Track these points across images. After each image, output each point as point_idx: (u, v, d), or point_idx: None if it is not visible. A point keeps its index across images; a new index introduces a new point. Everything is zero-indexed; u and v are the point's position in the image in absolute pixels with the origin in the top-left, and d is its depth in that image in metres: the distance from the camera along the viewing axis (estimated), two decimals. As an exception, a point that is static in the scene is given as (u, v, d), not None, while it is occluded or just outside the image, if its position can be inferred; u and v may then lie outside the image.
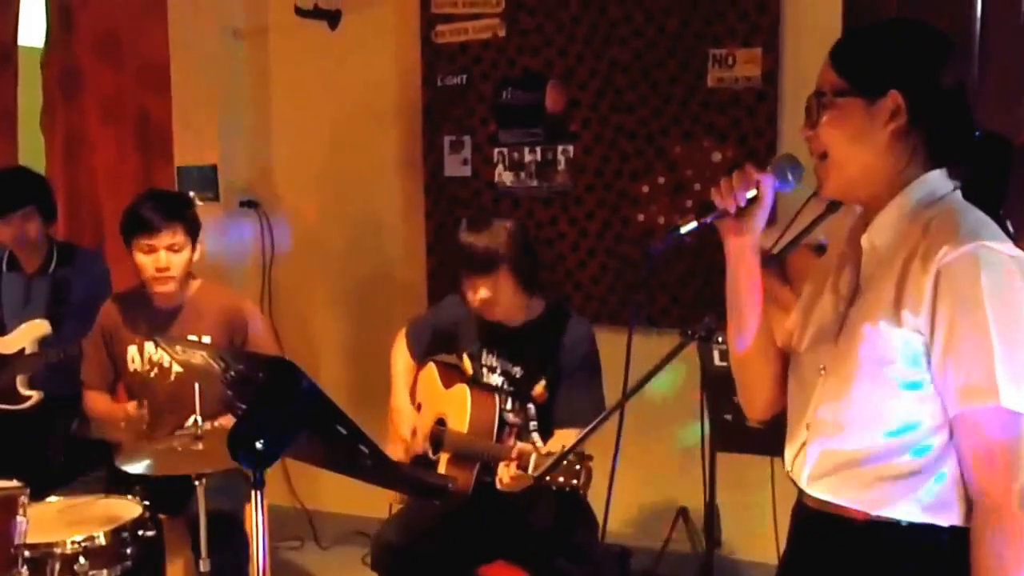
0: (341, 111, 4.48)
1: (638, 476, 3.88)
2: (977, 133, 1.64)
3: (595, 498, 2.87)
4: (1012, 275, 1.50)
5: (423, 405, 3.23)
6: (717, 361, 3.15)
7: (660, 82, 3.79)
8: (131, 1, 4.71)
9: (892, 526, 1.60)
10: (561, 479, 2.42)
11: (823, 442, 1.66)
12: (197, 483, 2.78)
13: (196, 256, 3.36)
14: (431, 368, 3.27)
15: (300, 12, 4.34)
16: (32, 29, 5.10)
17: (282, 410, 1.75)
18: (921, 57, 1.62)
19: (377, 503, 3.45)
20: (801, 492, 1.74)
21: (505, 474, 2.71)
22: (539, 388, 3.00)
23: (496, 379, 3.08)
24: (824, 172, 1.65)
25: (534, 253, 3.08)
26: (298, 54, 4.54)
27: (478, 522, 2.99)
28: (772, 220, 1.68)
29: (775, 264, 1.95)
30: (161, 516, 3.01)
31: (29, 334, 3.72)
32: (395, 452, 3.16)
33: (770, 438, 1.98)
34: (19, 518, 2.45)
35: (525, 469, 2.64)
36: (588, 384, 2.95)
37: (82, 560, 2.67)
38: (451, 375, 3.21)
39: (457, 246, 3.00)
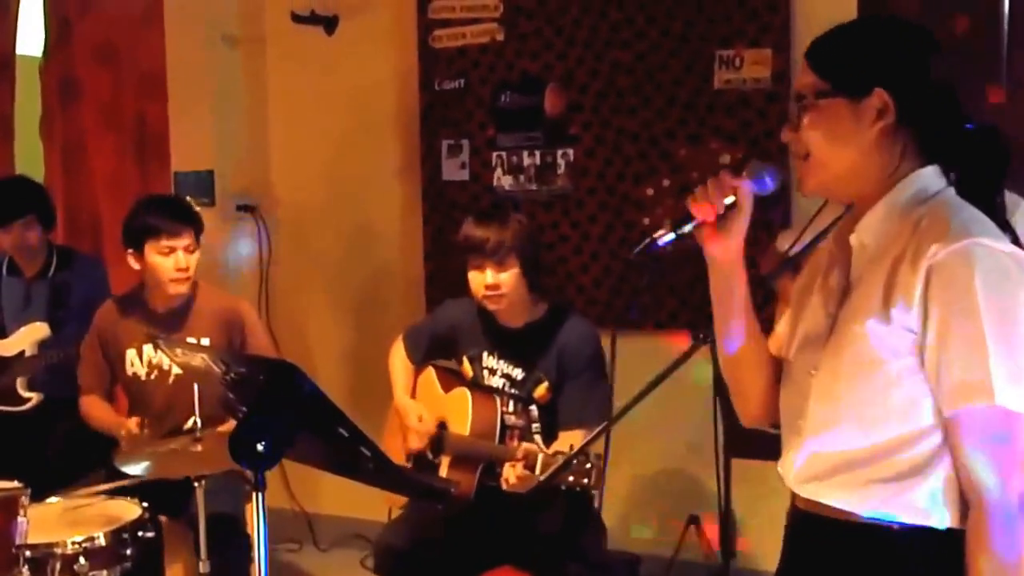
0: (338, 116, 4.49)
1: (648, 481, 3.88)
2: (970, 127, 1.60)
3: (604, 503, 2.90)
4: (1007, 272, 1.46)
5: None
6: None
7: (664, 84, 3.80)
8: (128, 10, 4.73)
9: (885, 529, 1.56)
10: (571, 478, 2.42)
11: (814, 443, 1.63)
12: (196, 485, 2.79)
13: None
14: (430, 372, 3.27)
15: (297, 18, 4.36)
16: (30, 38, 5.11)
17: (284, 412, 1.76)
18: (905, 53, 1.59)
19: (376, 506, 3.46)
20: (793, 494, 1.72)
21: (511, 474, 2.70)
22: (541, 390, 2.99)
23: (497, 381, 3.07)
24: (805, 171, 1.62)
25: (540, 254, 3.09)
26: (295, 60, 4.56)
27: (483, 527, 2.98)
28: (787, 223, 1.68)
29: (791, 267, 1.93)
30: (161, 517, 3.02)
31: (29, 337, 3.75)
32: (394, 445, 3.16)
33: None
34: (20, 519, 2.45)
35: (532, 469, 2.63)
36: (594, 385, 2.93)
37: (82, 561, 2.66)
38: (450, 379, 3.21)
39: (468, 232, 3.01)
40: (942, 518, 1.54)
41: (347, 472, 2.02)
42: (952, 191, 1.58)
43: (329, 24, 4.39)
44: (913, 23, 1.63)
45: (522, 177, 4.10)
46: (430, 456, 3.13)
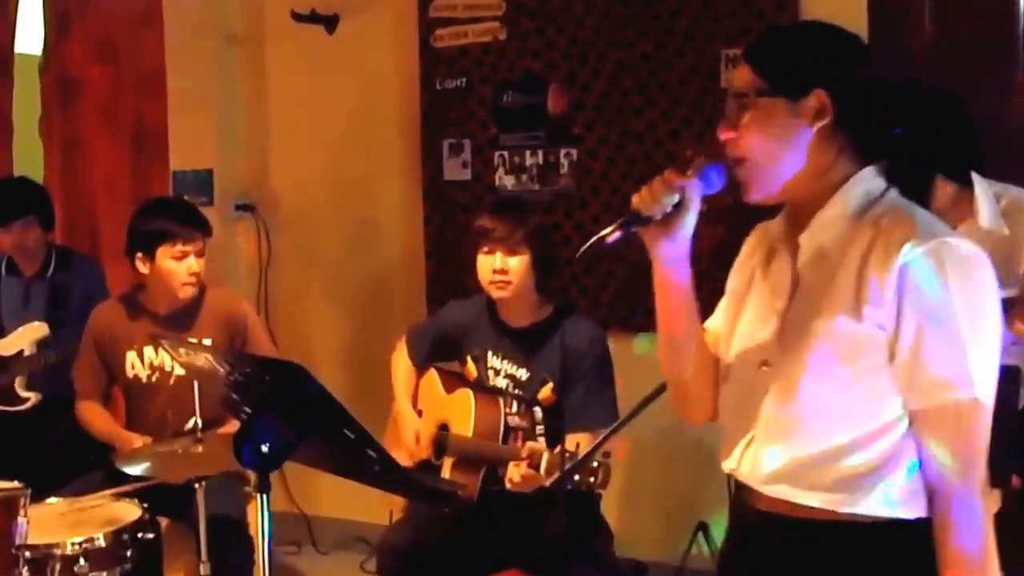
0: (338, 115, 4.47)
1: (655, 487, 3.85)
2: (899, 130, 1.65)
3: (610, 509, 2.87)
4: (972, 269, 1.52)
5: (425, 411, 3.21)
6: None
7: (669, 84, 3.77)
8: (128, 8, 4.72)
9: (857, 525, 1.59)
10: (577, 478, 2.41)
11: (780, 441, 1.63)
12: (197, 486, 2.77)
13: None
14: (432, 374, 3.25)
15: (297, 17, 4.34)
16: (30, 36, 5.09)
17: (290, 414, 1.74)
18: (842, 56, 1.63)
19: (376, 508, 3.43)
20: (749, 494, 1.71)
21: (515, 473, 2.69)
22: (546, 391, 2.98)
23: (501, 382, 3.06)
24: (747, 175, 1.62)
25: (552, 254, 3.08)
26: (295, 59, 4.54)
27: (488, 529, 2.96)
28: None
29: None
30: (161, 519, 3.00)
31: (27, 336, 3.73)
32: (398, 458, 3.14)
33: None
34: (20, 519, 2.44)
35: (536, 468, 2.62)
36: (600, 387, 2.92)
37: (82, 562, 2.66)
38: (453, 380, 3.19)
39: (481, 221, 2.99)
40: (911, 509, 1.57)
41: (352, 474, 2.00)
42: (896, 191, 1.62)
43: (330, 23, 4.37)
44: (848, 30, 1.68)
45: (524, 177, 4.08)
46: (432, 459, 3.10)
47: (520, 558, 2.92)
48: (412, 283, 4.35)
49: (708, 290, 1.80)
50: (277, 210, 4.65)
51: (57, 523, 2.80)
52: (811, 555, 1.64)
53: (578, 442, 2.72)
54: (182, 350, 2.43)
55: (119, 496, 2.95)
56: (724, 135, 1.64)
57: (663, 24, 3.78)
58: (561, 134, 3.99)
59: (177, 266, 3.27)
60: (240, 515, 3.28)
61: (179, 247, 3.26)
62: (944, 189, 2.57)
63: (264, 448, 1.70)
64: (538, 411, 2.99)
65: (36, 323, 3.76)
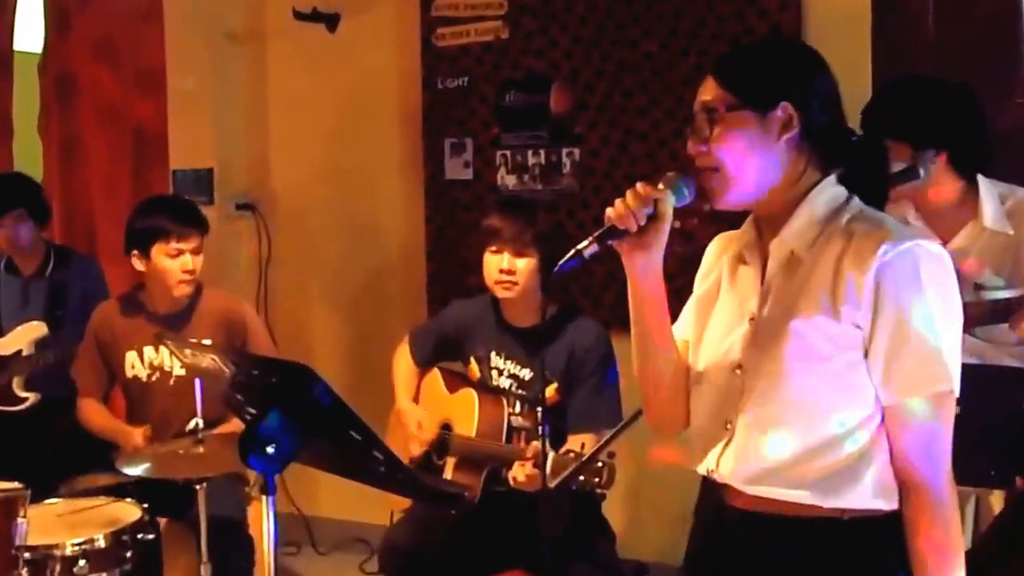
0: (340, 114, 4.45)
1: (656, 488, 3.83)
2: (855, 138, 1.72)
3: (612, 510, 2.85)
4: (944, 271, 1.59)
5: (427, 411, 3.18)
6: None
7: (673, 84, 3.75)
8: (128, 6, 4.70)
9: (836, 518, 1.63)
10: (582, 478, 2.39)
11: (760, 441, 1.67)
12: (198, 487, 2.76)
13: None
14: (435, 374, 3.23)
15: (298, 15, 4.32)
16: (29, 33, 5.07)
17: (296, 415, 1.72)
18: (803, 69, 1.70)
19: (375, 509, 3.41)
20: (725, 493, 1.74)
21: (520, 472, 2.68)
22: (550, 391, 2.96)
23: (505, 382, 3.04)
24: (717, 185, 1.67)
25: (560, 256, 3.04)
26: (296, 57, 4.52)
27: (491, 530, 2.94)
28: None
29: None
30: (160, 519, 2.97)
31: (26, 336, 3.72)
32: (397, 449, 3.11)
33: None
34: (20, 520, 2.42)
35: (541, 469, 2.60)
36: (604, 387, 2.91)
37: (82, 563, 2.64)
38: (456, 380, 3.18)
39: (491, 220, 2.98)
40: (890, 500, 1.63)
41: (357, 475, 1.99)
42: (857, 198, 1.69)
43: (331, 21, 4.35)
44: (810, 47, 1.79)
45: (526, 176, 4.06)
46: (434, 458, 3.09)
47: (522, 559, 2.90)
48: (413, 283, 4.33)
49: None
50: (277, 209, 4.63)
51: (56, 524, 2.79)
52: (791, 551, 1.68)
53: (583, 442, 2.70)
54: (187, 351, 2.41)
55: (117, 488, 2.94)
56: (694, 149, 1.68)
57: (666, 23, 3.77)
58: (563, 134, 3.97)
59: (172, 263, 3.25)
60: (240, 516, 3.27)
61: (173, 244, 3.24)
62: (952, 186, 2.56)
63: (270, 449, 1.68)
64: (541, 411, 2.97)
65: (35, 323, 3.74)
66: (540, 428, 2.95)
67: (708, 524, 1.84)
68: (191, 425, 2.83)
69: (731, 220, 1.84)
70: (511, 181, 4.08)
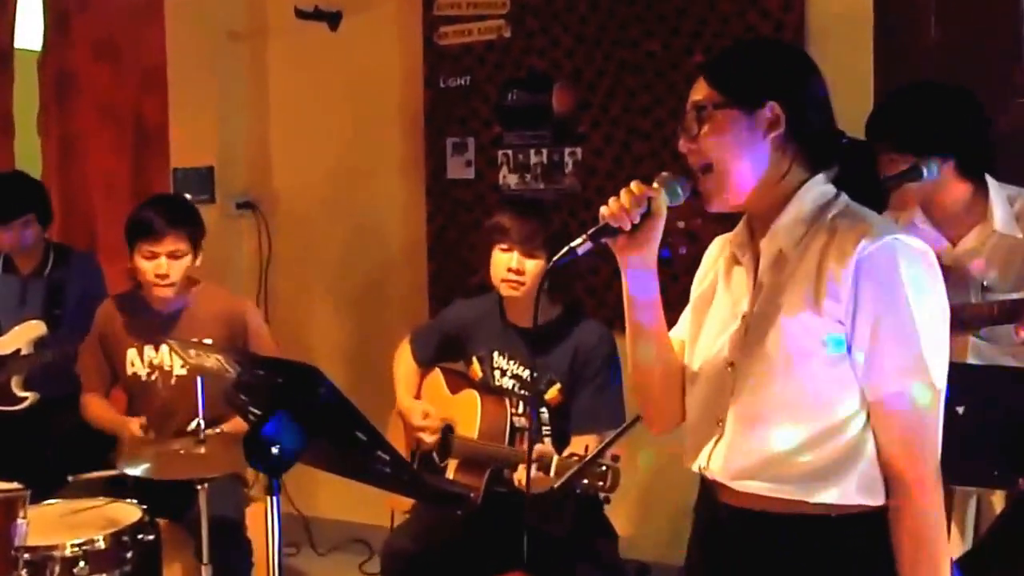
0: (341, 113, 4.44)
1: (658, 487, 3.82)
2: (844, 140, 1.73)
3: (614, 510, 2.84)
4: (924, 265, 1.60)
5: (429, 410, 3.18)
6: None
7: (675, 83, 3.73)
8: (129, 3, 4.69)
9: (824, 515, 1.64)
10: (586, 481, 2.38)
11: (748, 437, 1.69)
12: (199, 488, 2.74)
13: (197, 263, 3.32)
14: (437, 374, 3.22)
15: (300, 14, 4.31)
16: (29, 31, 5.05)
17: (301, 416, 1.71)
18: (792, 69, 1.73)
19: (375, 510, 3.40)
20: (717, 490, 1.76)
21: (525, 475, 2.66)
22: (553, 392, 2.95)
23: (507, 382, 3.03)
24: (709, 184, 1.70)
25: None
26: (298, 56, 4.51)
27: (493, 530, 2.93)
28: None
29: None
30: (159, 520, 2.96)
31: (25, 335, 3.69)
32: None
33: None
34: (20, 520, 2.41)
35: (546, 471, 2.59)
36: (608, 388, 2.90)
37: (82, 564, 2.63)
38: (458, 381, 3.16)
39: (502, 218, 2.95)
40: (876, 496, 1.64)
41: (362, 476, 1.98)
42: (846, 196, 1.71)
43: (333, 20, 4.34)
44: (799, 48, 1.86)
45: (528, 176, 4.05)
46: (436, 459, 3.07)
47: (525, 560, 2.88)
48: (414, 282, 4.32)
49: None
50: (278, 208, 4.62)
51: (56, 525, 2.77)
52: (779, 548, 1.69)
53: (586, 444, 2.69)
54: (191, 351, 2.39)
55: (112, 490, 2.92)
56: (684, 146, 1.73)
57: (669, 23, 3.75)
58: (566, 133, 3.96)
59: (146, 265, 3.21)
60: (239, 517, 3.26)
61: (146, 246, 3.19)
62: (960, 190, 2.55)
63: (274, 450, 1.67)
64: (544, 412, 2.96)
65: (33, 322, 3.72)
66: (538, 428, 2.95)
67: (703, 522, 1.85)
68: (192, 425, 2.81)
69: (735, 220, 1.84)
70: (513, 180, 4.07)
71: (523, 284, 2.92)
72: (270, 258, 4.57)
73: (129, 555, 2.73)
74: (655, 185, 1.71)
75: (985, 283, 2.56)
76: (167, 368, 3.31)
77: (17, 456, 3.32)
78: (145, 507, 2.86)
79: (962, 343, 2.51)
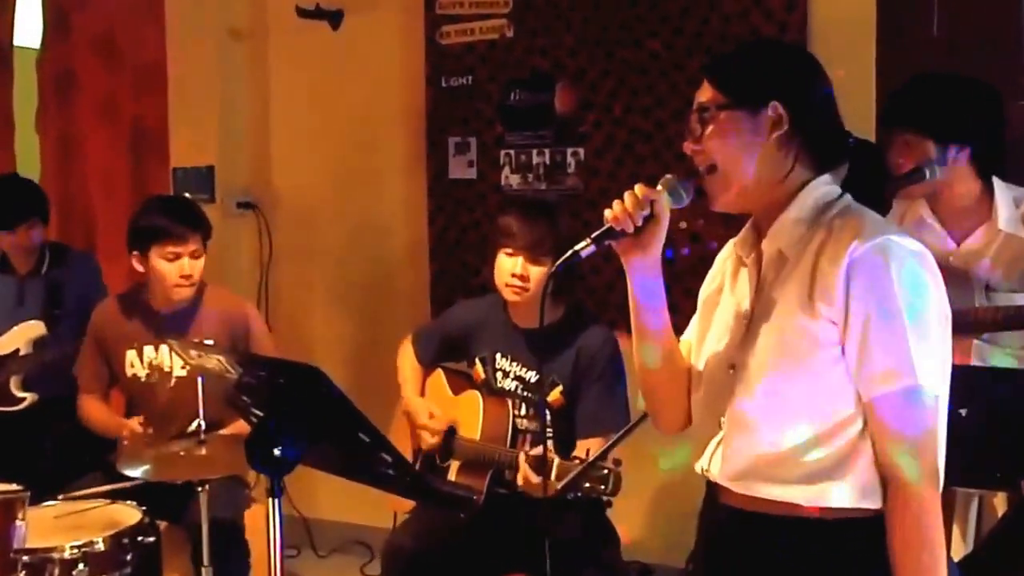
0: (342, 112, 4.43)
1: (659, 488, 3.81)
2: (851, 140, 1.74)
3: (615, 512, 2.83)
4: (916, 266, 1.59)
5: (433, 411, 3.16)
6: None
7: (678, 83, 3.73)
8: (128, 1, 4.67)
9: (822, 518, 1.64)
10: (588, 485, 2.36)
11: (745, 438, 1.70)
12: (200, 489, 2.72)
13: None
14: (439, 375, 3.20)
15: (301, 12, 4.29)
16: (28, 29, 5.03)
17: (304, 417, 1.69)
18: (795, 70, 1.74)
19: (376, 511, 3.38)
20: (719, 492, 1.77)
21: (533, 476, 2.64)
22: (555, 394, 2.93)
23: (510, 384, 3.01)
24: (714, 185, 1.72)
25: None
26: (299, 55, 4.49)
27: (495, 532, 2.91)
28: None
29: None
30: (159, 522, 2.94)
31: (23, 335, 3.68)
32: (401, 449, 3.09)
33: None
34: (18, 522, 2.38)
35: (548, 474, 2.57)
36: (612, 391, 2.88)
37: (81, 566, 2.60)
38: (460, 381, 3.15)
39: (509, 222, 2.91)
40: (870, 502, 1.63)
41: (365, 478, 1.96)
42: (849, 196, 1.71)
43: (334, 19, 4.32)
44: (802, 48, 1.85)
45: (530, 176, 4.03)
46: (438, 461, 3.05)
47: (527, 561, 2.87)
48: (416, 282, 4.30)
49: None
50: (279, 208, 4.60)
51: (55, 527, 2.75)
52: (777, 550, 1.69)
53: (588, 448, 2.67)
54: (193, 352, 2.37)
55: (116, 494, 2.90)
56: (688, 149, 1.73)
57: (671, 23, 3.74)
58: (568, 133, 3.95)
59: (169, 267, 3.20)
60: (239, 519, 3.24)
61: (170, 248, 3.18)
62: (969, 187, 2.54)
63: (277, 452, 1.65)
64: (547, 414, 2.94)
65: (32, 322, 3.71)
66: (546, 431, 2.93)
67: (706, 524, 1.86)
68: (193, 426, 2.79)
69: (738, 222, 1.84)
70: (515, 181, 4.06)
71: (527, 290, 2.89)
72: (271, 258, 4.56)
73: (129, 557, 2.70)
74: (659, 188, 1.72)
75: (989, 283, 2.55)
76: (167, 369, 3.30)
77: (16, 457, 3.30)
78: (145, 509, 2.83)
79: (965, 345, 2.51)
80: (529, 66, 3.99)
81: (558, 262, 1.72)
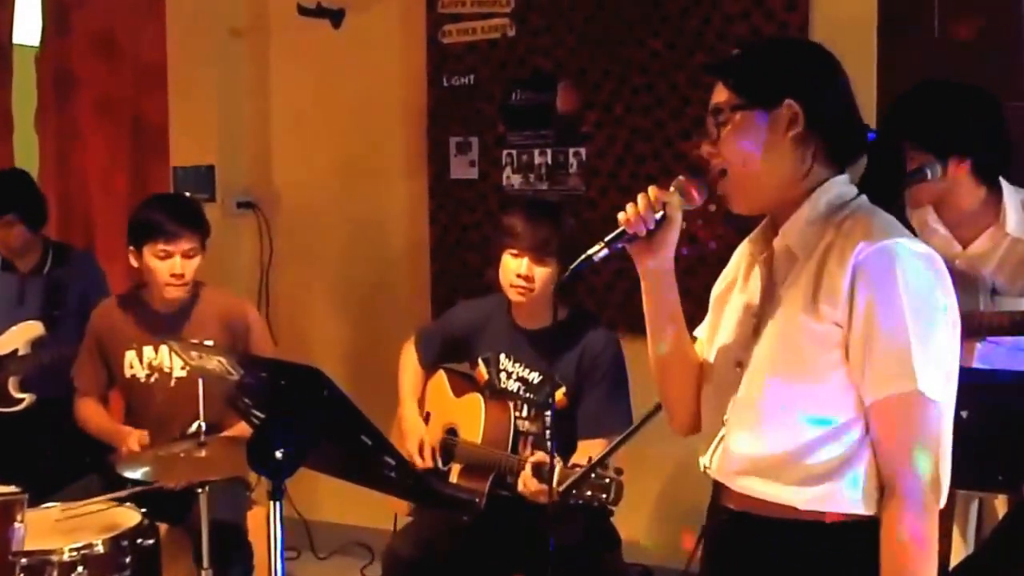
0: (343, 112, 4.41)
1: (659, 489, 3.80)
2: (871, 136, 1.73)
3: (616, 515, 2.82)
4: (923, 270, 1.58)
5: (432, 414, 3.15)
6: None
7: (679, 84, 3.72)
8: (129, 0, 4.64)
9: (818, 524, 1.63)
10: (589, 493, 2.35)
11: (745, 437, 1.69)
12: (200, 491, 2.71)
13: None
14: (441, 376, 3.19)
15: (303, 11, 4.28)
16: (28, 26, 5.02)
17: (305, 419, 1.68)
18: (809, 67, 1.72)
19: (376, 513, 3.37)
20: (722, 492, 1.77)
21: (532, 483, 2.63)
22: (558, 396, 2.91)
23: (512, 385, 3.00)
24: (730, 187, 1.71)
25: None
26: (300, 54, 4.48)
27: (496, 535, 2.90)
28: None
29: None
30: (159, 524, 2.93)
31: (22, 335, 3.66)
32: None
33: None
34: (17, 524, 2.36)
35: (549, 481, 2.56)
36: (614, 393, 2.87)
37: (80, 569, 2.58)
38: (462, 383, 3.13)
39: (515, 222, 2.89)
40: (870, 507, 1.61)
41: (367, 481, 1.95)
42: (865, 197, 1.70)
43: (335, 17, 4.31)
44: (817, 44, 1.78)
45: (532, 176, 4.02)
46: (439, 464, 3.04)
47: (528, 565, 2.86)
48: (416, 283, 4.29)
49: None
50: (279, 208, 4.59)
51: (54, 529, 2.73)
52: (775, 552, 1.69)
53: (591, 451, 2.66)
54: (193, 353, 2.36)
55: (116, 501, 2.88)
56: (706, 151, 1.73)
57: (673, 23, 3.73)
58: (570, 133, 3.94)
59: (160, 265, 3.18)
60: (240, 521, 3.22)
61: (161, 245, 3.15)
62: (973, 192, 2.53)
63: (278, 454, 1.64)
64: (548, 416, 2.92)
65: (31, 322, 3.68)
66: (547, 433, 2.92)
67: (710, 523, 1.86)
68: (193, 428, 2.78)
69: (738, 222, 1.83)
70: (517, 180, 4.05)
71: (532, 291, 2.88)
72: (271, 258, 4.54)
73: (128, 560, 2.68)
74: (671, 189, 1.71)
75: (995, 286, 2.54)
76: (167, 370, 3.28)
77: (14, 458, 3.29)
78: (145, 511, 2.82)
79: (968, 347, 2.49)
80: (531, 66, 3.99)
81: (571, 267, 1.72)
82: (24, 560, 2.44)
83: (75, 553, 2.60)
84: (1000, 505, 2.78)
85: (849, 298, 1.58)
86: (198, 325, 3.27)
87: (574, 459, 2.69)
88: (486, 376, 3.05)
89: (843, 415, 1.61)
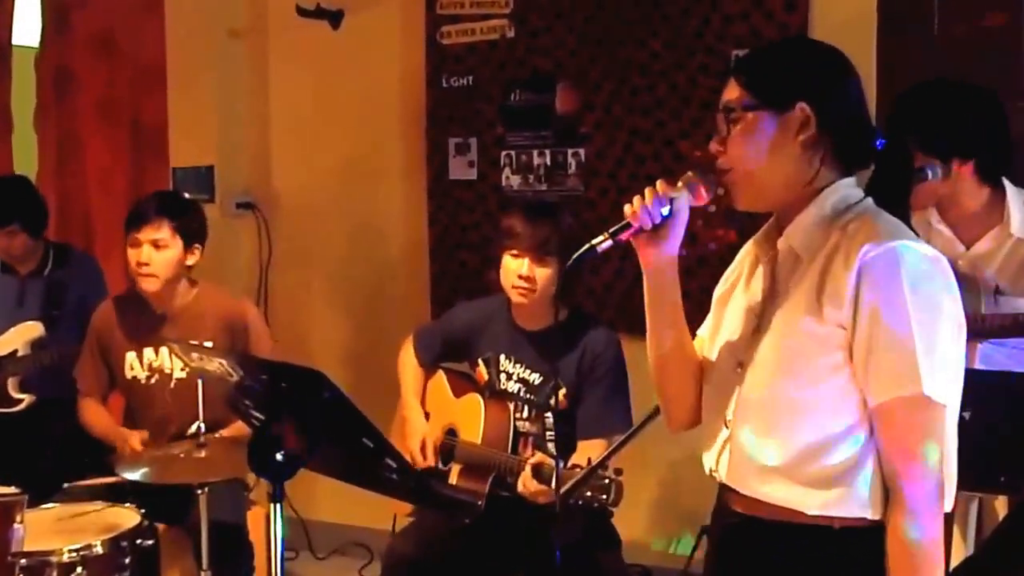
0: (342, 112, 4.41)
1: (659, 491, 3.81)
2: (881, 142, 1.71)
3: (616, 515, 2.82)
4: (929, 272, 1.57)
5: (432, 415, 3.15)
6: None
7: (679, 84, 3.72)
8: (128, 0, 4.64)
9: (826, 528, 1.62)
10: (589, 494, 2.34)
11: (749, 439, 1.68)
12: (200, 492, 2.71)
13: (191, 260, 3.27)
14: (440, 376, 3.18)
15: (301, 12, 4.28)
16: (27, 27, 5.01)
17: (306, 421, 1.68)
18: (824, 70, 1.71)
19: (375, 513, 3.36)
20: (729, 496, 1.76)
21: (532, 484, 2.63)
22: (560, 396, 2.91)
23: (513, 386, 2.99)
24: (739, 185, 1.70)
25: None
26: (299, 54, 4.48)
27: (496, 536, 2.90)
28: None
29: None
30: (158, 525, 2.93)
31: (22, 336, 3.66)
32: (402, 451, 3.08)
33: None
34: (16, 525, 2.36)
35: (548, 482, 2.56)
36: (615, 393, 2.87)
37: (79, 570, 2.58)
38: (462, 383, 3.12)
39: (514, 223, 2.89)
40: (877, 511, 1.60)
41: (368, 482, 1.95)
42: (871, 200, 1.69)
43: (334, 18, 4.31)
44: (832, 46, 1.75)
45: (531, 177, 4.02)
46: (439, 464, 3.04)
47: (528, 565, 2.86)
48: (415, 284, 4.29)
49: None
50: (279, 208, 4.59)
51: (53, 530, 2.73)
52: (781, 557, 1.68)
53: (591, 452, 2.66)
54: (194, 355, 2.35)
55: (117, 489, 2.88)
56: (714, 148, 1.72)
57: (673, 24, 3.73)
58: (569, 134, 3.94)
59: (131, 253, 3.17)
60: (240, 521, 3.22)
61: (132, 233, 3.15)
62: (977, 193, 2.53)
63: (278, 456, 1.64)
64: (549, 417, 2.93)
65: (31, 323, 3.68)
66: (547, 434, 2.92)
67: (715, 526, 1.85)
68: (193, 428, 2.78)
69: (740, 224, 1.83)
70: (516, 181, 4.05)
71: (533, 291, 2.88)
72: (270, 258, 4.54)
73: (127, 560, 2.69)
74: (679, 185, 1.70)
75: (998, 287, 2.54)
76: (167, 371, 3.27)
77: (13, 459, 3.29)
78: (144, 511, 2.82)
79: (970, 348, 2.49)
80: (530, 66, 3.99)
81: (575, 255, 1.70)
82: (23, 561, 2.44)
83: (74, 554, 2.60)
84: (1000, 506, 2.78)
85: (854, 300, 1.57)
86: (198, 325, 3.25)
87: (573, 459, 2.69)
88: (486, 377, 3.05)
89: (849, 417, 1.60)
